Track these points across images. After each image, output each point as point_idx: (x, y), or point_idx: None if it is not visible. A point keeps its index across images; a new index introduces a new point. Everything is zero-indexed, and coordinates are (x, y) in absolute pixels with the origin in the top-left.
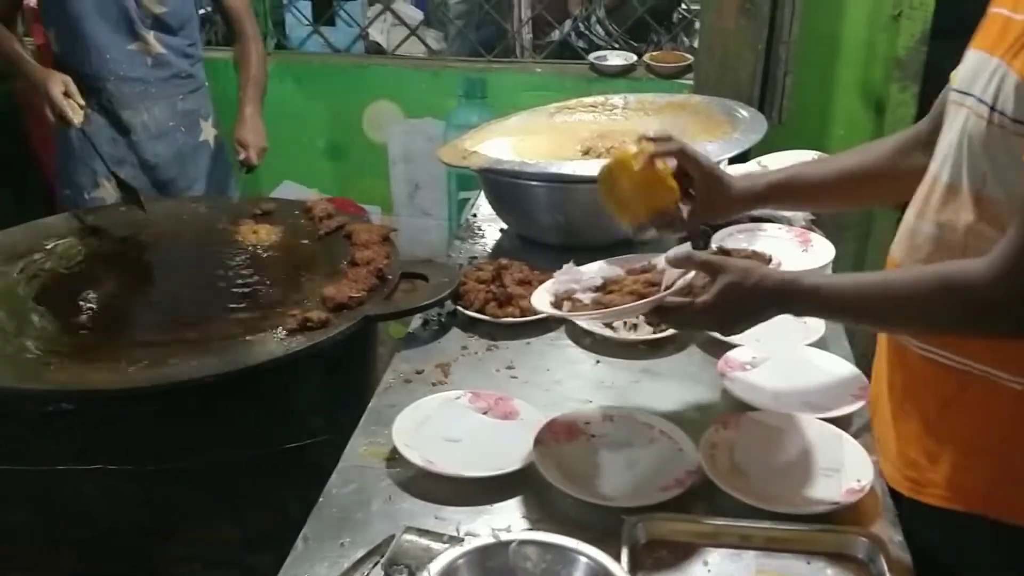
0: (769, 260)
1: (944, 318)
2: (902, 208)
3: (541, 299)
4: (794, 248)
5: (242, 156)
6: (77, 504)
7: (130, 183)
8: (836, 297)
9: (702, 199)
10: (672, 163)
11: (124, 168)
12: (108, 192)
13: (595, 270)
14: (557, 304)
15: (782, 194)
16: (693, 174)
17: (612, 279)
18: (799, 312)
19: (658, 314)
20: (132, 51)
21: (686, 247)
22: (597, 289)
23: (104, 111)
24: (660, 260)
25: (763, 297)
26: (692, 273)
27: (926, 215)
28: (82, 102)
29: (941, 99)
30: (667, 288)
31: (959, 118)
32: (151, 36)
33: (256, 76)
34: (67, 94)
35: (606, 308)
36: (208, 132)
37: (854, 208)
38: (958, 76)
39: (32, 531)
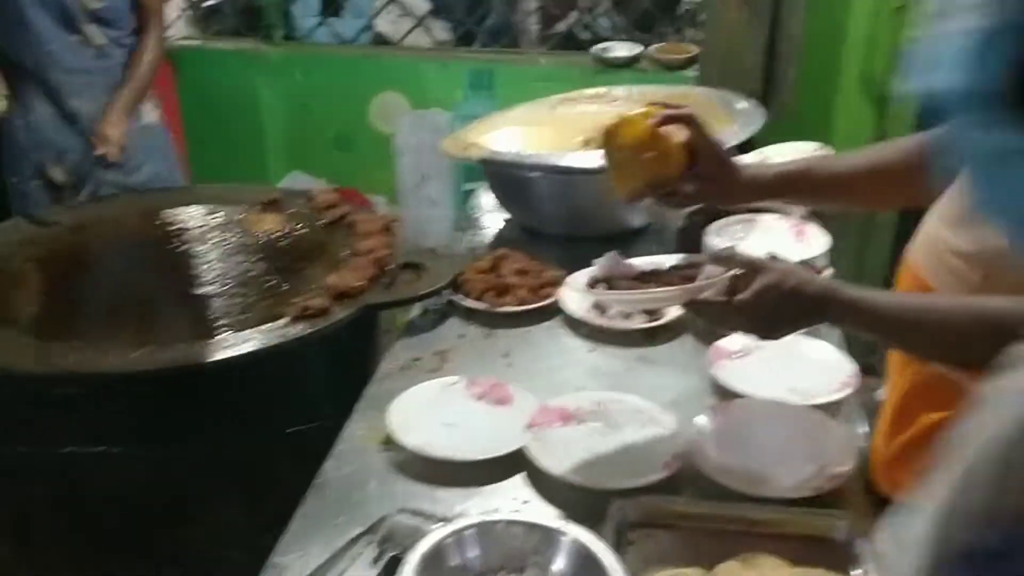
0: (820, 271)
1: (979, 354)
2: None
3: (578, 281)
4: (790, 238)
5: (100, 151)
6: (85, 487)
7: (69, 176)
8: (874, 313)
9: (707, 178)
10: (682, 135)
11: (71, 156)
12: (46, 183)
13: (638, 262)
14: (593, 286)
15: (792, 187)
16: (701, 149)
17: (653, 271)
18: (836, 322)
19: (694, 307)
20: (74, 43)
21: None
22: (636, 278)
23: (50, 100)
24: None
25: (801, 302)
26: (734, 271)
27: (956, 227)
28: (4, 91)
29: None
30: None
31: None
32: (92, 28)
33: (139, 77)
34: None
35: (642, 290)
36: (150, 114)
37: (864, 208)
38: None
39: (41, 514)
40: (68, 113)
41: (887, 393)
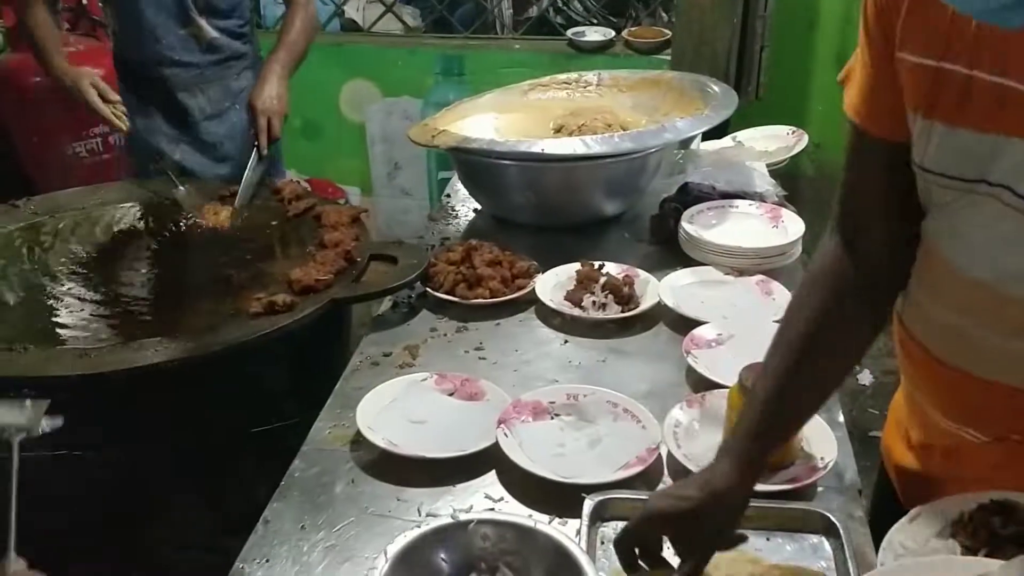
0: None
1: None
2: None
3: None
4: (765, 225)
5: (252, 131)
6: (46, 490)
7: (183, 164)
8: (749, 438)
9: None
10: None
11: (181, 147)
12: (161, 170)
13: None
14: None
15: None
16: None
17: None
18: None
19: None
20: (184, 36)
21: None
22: None
23: (161, 92)
24: None
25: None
26: None
27: (983, 321)
28: (116, 99)
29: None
30: None
31: (985, 211)
32: (203, 21)
33: (291, 40)
34: (102, 97)
35: None
36: (246, 80)
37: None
38: (943, 161)
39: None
40: (179, 108)
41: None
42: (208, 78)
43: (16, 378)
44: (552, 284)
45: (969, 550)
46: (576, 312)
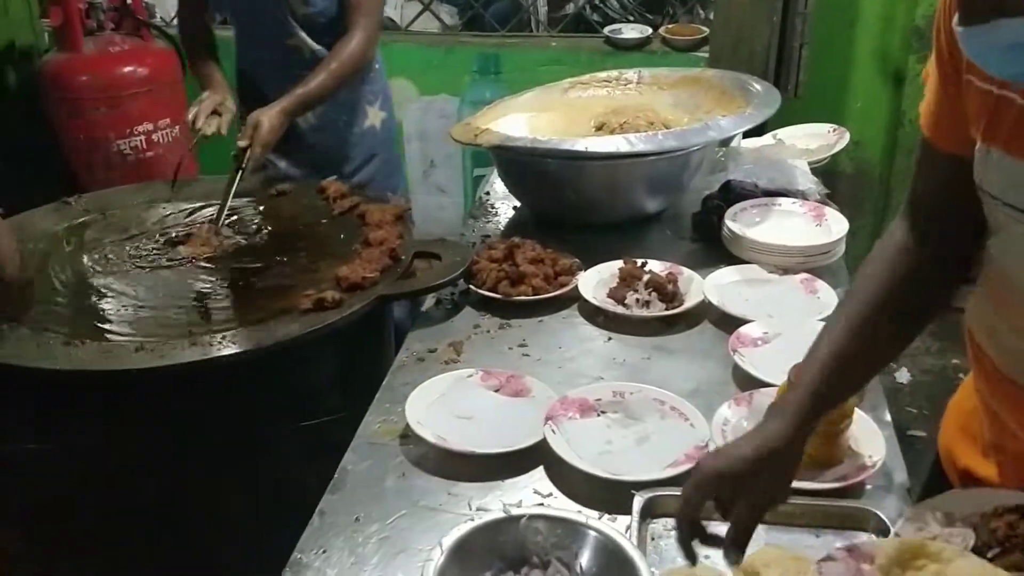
0: None
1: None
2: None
3: None
4: (808, 223)
5: (241, 142)
6: (99, 481)
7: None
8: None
9: None
10: None
11: (288, 158)
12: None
13: None
14: None
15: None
16: None
17: None
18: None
19: None
20: (288, 48)
21: None
22: None
23: (269, 103)
24: None
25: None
26: None
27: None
28: (224, 132)
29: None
30: None
31: None
32: (303, 35)
33: (319, 79)
34: (216, 111)
35: None
36: (375, 117)
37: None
38: (1001, 187)
39: (54, 507)
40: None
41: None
42: None
43: (74, 372)
44: (595, 281)
45: (984, 545)
46: (619, 309)
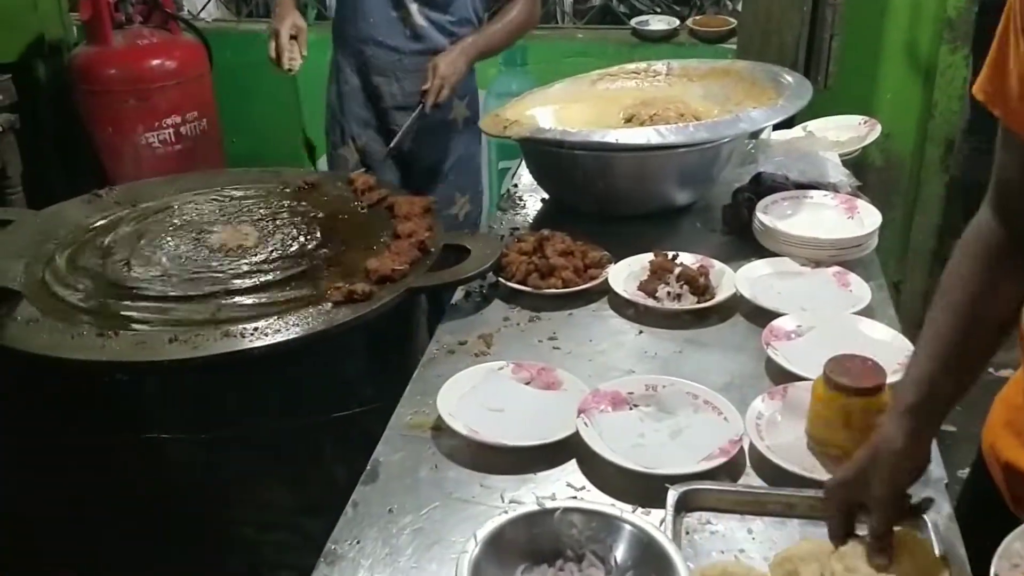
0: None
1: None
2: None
3: None
4: (840, 215)
5: (424, 86)
6: (134, 474)
7: (366, 150)
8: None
9: None
10: None
11: (368, 132)
12: (350, 152)
13: None
14: None
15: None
16: None
17: None
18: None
19: None
20: (393, 19)
21: None
22: None
23: (360, 74)
24: None
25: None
26: None
27: None
28: (304, 52)
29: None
30: None
31: None
32: (414, 7)
33: (495, 27)
34: (294, 38)
35: None
36: (458, 112)
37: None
38: None
39: (93, 497)
40: (372, 89)
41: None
42: (406, 66)
43: (107, 363)
44: (625, 274)
45: None
46: (650, 302)
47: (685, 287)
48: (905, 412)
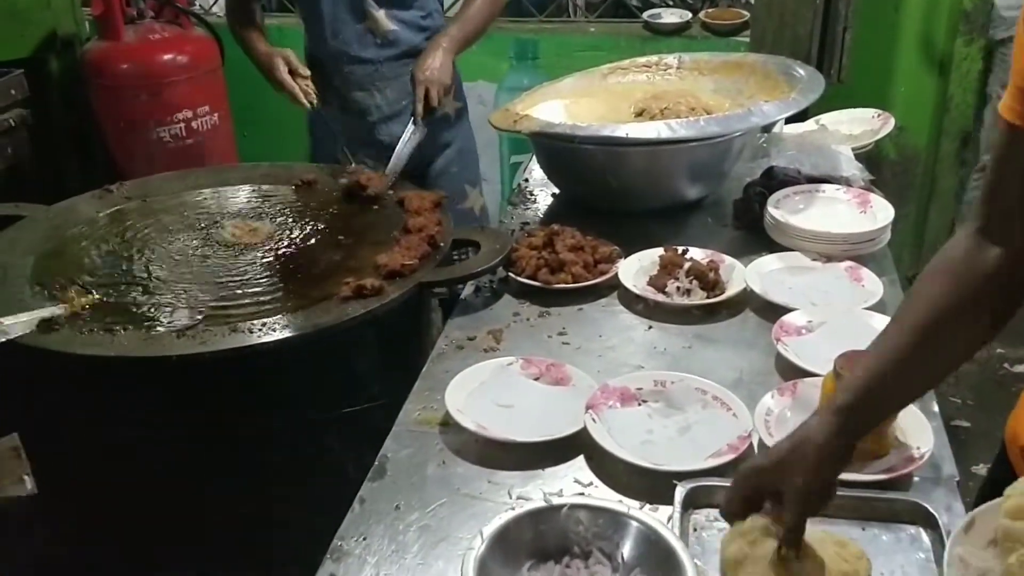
0: None
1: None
2: None
3: None
4: (853, 210)
5: (419, 89)
6: (139, 470)
7: (367, 164)
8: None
9: None
10: None
11: (364, 149)
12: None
13: None
14: None
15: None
16: None
17: None
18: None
19: None
20: (360, 30)
21: None
22: None
23: (340, 92)
24: None
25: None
26: None
27: None
28: (307, 74)
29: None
30: None
31: None
32: (381, 14)
33: (468, 15)
34: (292, 72)
35: None
36: (449, 105)
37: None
38: None
39: (99, 493)
40: (357, 109)
41: None
42: (384, 75)
43: (115, 358)
44: (635, 269)
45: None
46: (660, 298)
47: (695, 282)
48: (837, 411)
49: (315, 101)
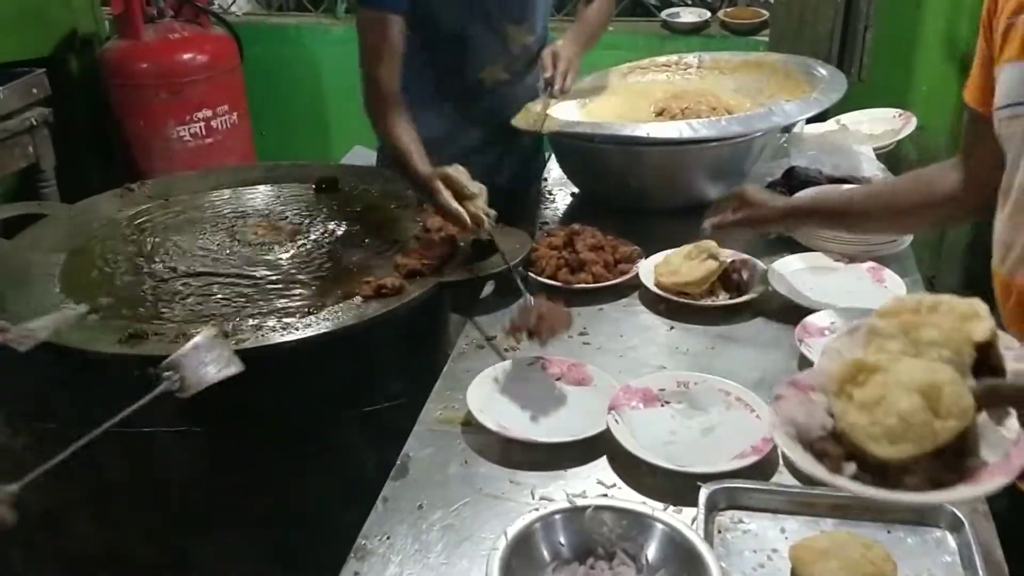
0: None
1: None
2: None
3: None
4: None
5: (547, 74)
6: (163, 466)
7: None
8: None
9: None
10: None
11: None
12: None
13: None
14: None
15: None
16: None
17: None
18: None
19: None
20: (494, 42)
21: None
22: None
23: (462, 105)
24: None
25: None
26: None
27: None
28: (475, 191)
29: (972, 129)
30: None
31: None
32: (511, 29)
33: (587, 15)
34: (460, 195)
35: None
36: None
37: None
38: (1005, 94)
39: (124, 490)
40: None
41: None
42: (512, 52)
43: (138, 356)
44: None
45: None
46: (682, 298)
47: (717, 282)
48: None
49: (491, 227)
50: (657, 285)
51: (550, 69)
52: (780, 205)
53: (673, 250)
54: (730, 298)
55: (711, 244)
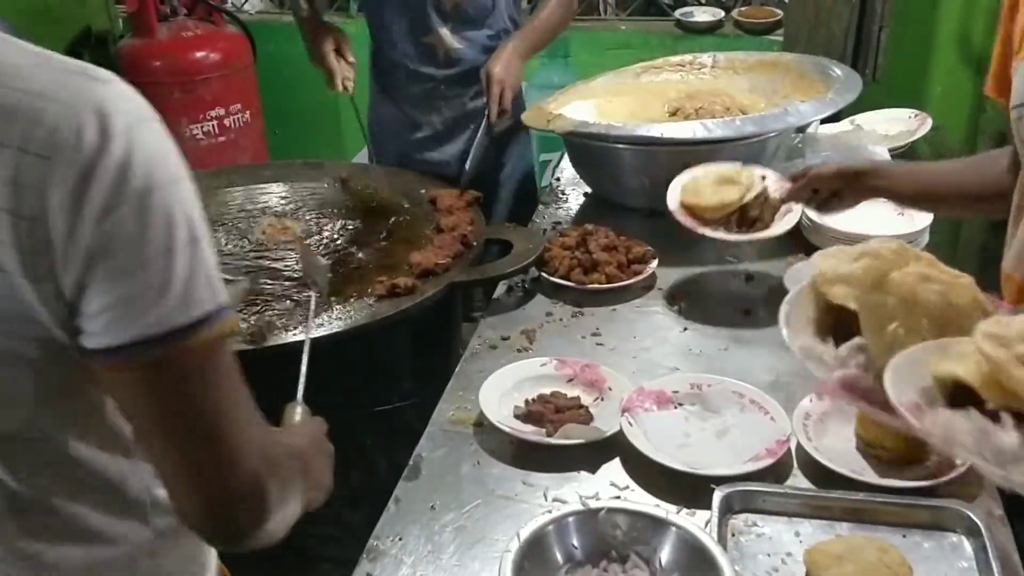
0: None
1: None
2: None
3: None
4: (890, 211)
5: (492, 97)
6: None
7: None
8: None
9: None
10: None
11: (413, 162)
12: None
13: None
14: None
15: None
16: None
17: None
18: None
19: None
20: (424, 45)
21: None
22: None
23: (396, 105)
24: None
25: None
26: None
27: None
28: (352, 60)
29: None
30: None
31: None
32: (445, 31)
33: (540, 17)
34: (338, 52)
35: None
36: (516, 112)
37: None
38: (1021, 92)
39: None
40: (411, 120)
41: None
42: (443, 94)
43: None
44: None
45: None
46: (696, 222)
47: (735, 216)
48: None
49: (351, 88)
50: (682, 204)
51: (486, 96)
52: (833, 166)
53: (702, 169)
54: (738, 232)
55: (743, 173)
